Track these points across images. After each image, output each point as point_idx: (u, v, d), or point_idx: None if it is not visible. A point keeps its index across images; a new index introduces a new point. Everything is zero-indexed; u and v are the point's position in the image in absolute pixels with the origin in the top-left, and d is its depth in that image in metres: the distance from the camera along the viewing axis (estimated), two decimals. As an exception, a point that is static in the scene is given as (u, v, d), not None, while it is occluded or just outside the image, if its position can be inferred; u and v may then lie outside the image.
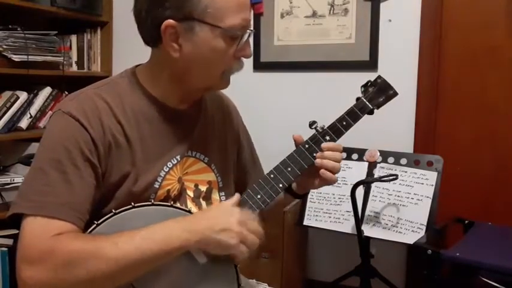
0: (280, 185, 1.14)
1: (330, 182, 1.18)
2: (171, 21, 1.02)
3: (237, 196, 1.12)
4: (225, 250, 1.03)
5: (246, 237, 1.03)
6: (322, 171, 1.16)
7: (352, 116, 1.19)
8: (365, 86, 1.22)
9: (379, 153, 2.31)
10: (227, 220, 1.03)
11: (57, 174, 0.99)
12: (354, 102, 1.22)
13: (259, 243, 1.06)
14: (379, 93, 1.21)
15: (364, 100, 1.20)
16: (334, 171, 1.16)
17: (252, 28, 1.09)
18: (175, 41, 1.05)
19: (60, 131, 1.03)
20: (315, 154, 1.17)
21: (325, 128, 1.18)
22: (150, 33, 1.07)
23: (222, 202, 1.19)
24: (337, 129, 1.18)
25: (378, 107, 1.22)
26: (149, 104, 1.12)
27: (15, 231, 2.31)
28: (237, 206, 1.09)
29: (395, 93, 1.22)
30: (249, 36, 1.08)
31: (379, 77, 1.23)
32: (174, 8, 1.02)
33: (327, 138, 1.17)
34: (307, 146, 1.17)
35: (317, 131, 1.18)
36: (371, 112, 1.21)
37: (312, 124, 1.18)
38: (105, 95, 1.08)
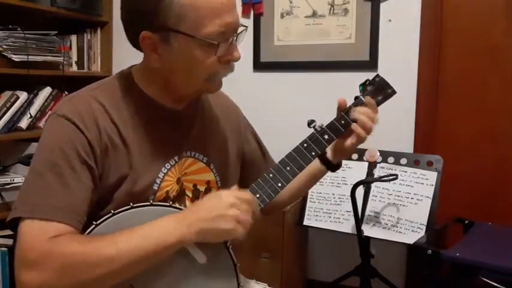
0: (279, 184, 1.13)
1: (360, 139, 1.18)
2: (147, 32, 1.02)
3: (234, 188, 1.10)
4: (224, 236, 1.03)
5: (240, 217, 1.02)
6: (354, 125, 1.17)
7: (350, 115, 1.19)
8: (363, 85, 1.22)
9: (379, 153, 2.32)
10: (218, 206, 1.01)
11: (54, 177, 0.99)
12: (353, 101, 1.22)
13: (253, 218, 1.05)
14: (378, 91, 1.21)
15: (363, 99, 1.20)
16: (365, 128, 1.17)
17: (239, 30, 1.06)
18: (154, 51, 1.04)
19: (56, 134, 1.03)
20: (313, 153, 1.16)
21: (323, 127, 1.18)
22: (133, 42, 1.07)
23: (214, 192, 1.17)
24: (336, 128, 1.18)
25: (377, 105, 1.21)
26: (145, 105, 1.11)
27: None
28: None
29: (393, 92, 1.22)
30: (235, 39, 1.05)
31: (377, 75, 1.22)
32: (149, 18, 1.01)
33: (326, 137, 1.17)
34: (305, 145, 1.17)
35: (315, 130, 1.18)
36: None
37: (310, 123, 1.18)
38: (100, 96, 1.08)
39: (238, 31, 1.06)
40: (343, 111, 1.19)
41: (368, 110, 1.18)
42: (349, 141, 1.19)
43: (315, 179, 1.33)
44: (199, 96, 1.22)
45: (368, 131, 1.18)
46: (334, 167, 1.28)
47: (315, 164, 1.27)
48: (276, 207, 1.38)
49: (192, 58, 1.03)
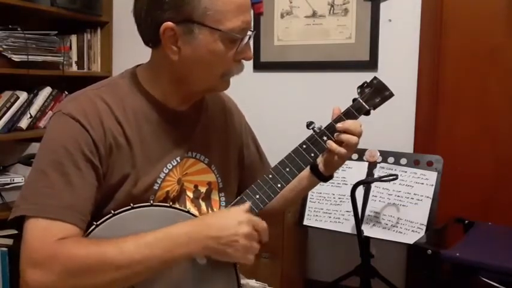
0: (279, 185, 1.14)
1: (343, 157, 1.18)
2: (170, 23, 1.02)
3: (247, 205, 1.10)
4: (230, 260, 1.04)
5: (252, 248, 1.03)
6: (329, 143, 1.17)
7: (349, 117, 1.19)
8: (361, 87, 1.23)
9: (379, 153, 2.32)
10: (234, 232, 1.01)
11: (58, 176, 0.99)
12: (351, 103, 1.22)
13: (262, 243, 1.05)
14: (375, 94, 1.22)
15: (361, 101, 1.21)
16: (342, 155, 1.17)
17: (252, 29, 1.08)
18: (174, 44, 1.04)
19: (61, 132, 1.03)
20: (312, 154, 1.17)
21: (322, 128, 1.18)
22: (149, 35, 1.07)
23: (232, 208, 1.13)
24: (335, 129, 1.18)
25: (375, 107, 1.22)
26: (149, 105, 1.12)
27: (15, 232, 2.31)
28: (247, 212, 1.07)
29: (391, 94, 1.22)
30: (249, 38, 1.07)
31: (374, 78, 1.23)
32: (173, 10, 1.01)
33: (325, 138, 1.17)
34: (304, 146, 1.17)
35: (314, 131, 1.18)
36: (367, 113, 1.22)
37: (309, 125, 1.19)
38: (105, 95, 1.08)
39: (249, 33, 1.07)
40: (342, 113, 1.20)
41: (350, 127, 1.17)
42: (336, 158, 1.20)
43: (306, 188, 1.32)
44: (204, 97, 1.23)
45: (351, 148, 1.17)
46: (325, 178, 1.29)
47: (307, 175, 1.27)
48: (267, 214, 1.37)
49: (213, 51, 1.04)
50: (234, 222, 1.03)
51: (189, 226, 1.02)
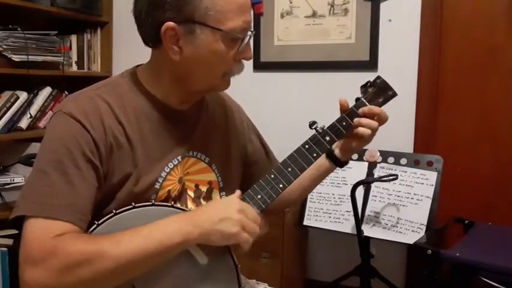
0: (281, 186, 1.13)
1: (364, 140, 1.21)
2: (171, 23, 1.02)
3: (238, 192, 1.11)
4: (227, 240, 1.03)
5: (247, 225, 1.03)
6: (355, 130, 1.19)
7: (352, 117, 1.19)
8: (364, 87, 1.22)
9: (379, 153, 2.32)
10: (226, 209, 1.02)
11: (58, 175, 0.98)
12: (354, 102, 1.22)
13: (258, 232, 1.05)
14: (379, 93, 1.21)
15: (364, 101, 1.20)
16: (364, 137, 1.19)
17: (252, 29, 1.08)
18: (176, 44, 1.04)
19: (61, 132, 1.03)
20: (315, 154, 1.17)
21: (325, 128, 1.18)
22: (150, 35, 1.07)
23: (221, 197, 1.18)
24: (337, 129, 1.18)
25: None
26: (150, 105, 1.12)
27: (15, 231, 2.31)
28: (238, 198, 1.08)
29: (394, 94, 1.22)
30: (249, 38, 1.08)
31: (378, 77, 1.22)
32: (175, 10, 1.01)
33: (327, 138, 1.17)
34: (307, 146, 1.17)
35: (317, 131, 1.18)
36: None
37: (312, 124, 1.18)
38: (105, 95, 1.08)
39: (249, 32, 1.08)
40: (345, 113, 1.19)
41: (371, 111, 1.19)
42: (354, 143, 1.22)
43: (323, 175, 1.33)
44: (204, 96, 1.23)
45: (372, 132, 1.19)
46: (342, 163, 1.30)
47: (323, 161, 1.28)
48: (286, 205, 1.40)
49: (215, 51, 1.05)
50: (225, 202, 1.06)
51: (184, 216, 1.02)
